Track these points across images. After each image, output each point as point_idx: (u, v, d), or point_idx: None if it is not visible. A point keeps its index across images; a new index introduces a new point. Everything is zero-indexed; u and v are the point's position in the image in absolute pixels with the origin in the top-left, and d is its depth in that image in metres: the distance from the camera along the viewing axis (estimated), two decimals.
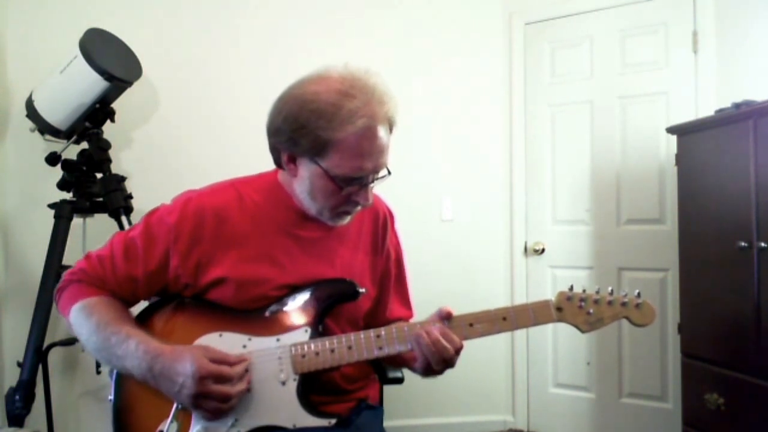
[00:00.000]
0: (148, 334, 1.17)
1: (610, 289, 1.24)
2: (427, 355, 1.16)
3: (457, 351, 1.17)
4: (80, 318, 1.20)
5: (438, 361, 1.17)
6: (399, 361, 1.35)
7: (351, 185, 1.19)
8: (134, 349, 1.14)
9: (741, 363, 2.10)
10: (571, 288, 1.23)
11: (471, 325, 1.20)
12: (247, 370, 1.16)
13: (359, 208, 1.26)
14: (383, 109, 1.17)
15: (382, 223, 1.40)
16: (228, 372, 1.12)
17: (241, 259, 1.24)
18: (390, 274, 1.42)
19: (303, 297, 1.24)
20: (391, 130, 1.22)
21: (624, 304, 1.22)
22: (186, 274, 1.24)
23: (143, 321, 1.25)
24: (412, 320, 1.44)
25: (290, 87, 1.22)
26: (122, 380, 1.22)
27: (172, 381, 1.11)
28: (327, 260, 1.30)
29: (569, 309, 1.22)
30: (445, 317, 1.20)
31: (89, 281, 1.24)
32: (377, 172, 1.21)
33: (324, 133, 1.14)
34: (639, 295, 1.23)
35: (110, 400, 1.23)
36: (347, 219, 1.28)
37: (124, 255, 1.24)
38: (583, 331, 1.23)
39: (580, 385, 3.02)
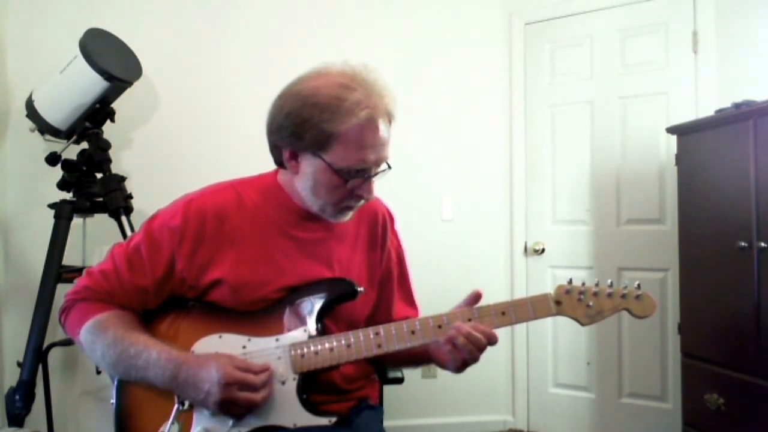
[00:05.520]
0: (166, 343, 1.18)
1: (609, 281, 1.24)
2: (466, 352, 1.16)
3: (490, 339, 1.16)
4: (93, 335, 1.19)
5: (475, 356, 1.16)
6: (420, 358, 1.33)
7: (354, 178, 1.19)
8: (156, 358, 1.14)
9: (741, 363, 2.10)
10: (570, 281, 1.22)
11: (469, 320, 1.20)
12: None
13: (362, 202, 1.26)
14: (383, 102, 1.19)
15: (381, 225, 1.40)
16: (252, 379, 1.13)
17: (240, 261, 1.24)
18: (392, 275, 1.42)
19: (302, 297, 1.24)
20: (390, 123, 1.22)
21: (624, 296, 1.21)
22: (191, 276, 1.23)
23: (145, 325, 1.25)
24: None
25: (290, 84, 1.22)
26: (124, 384, 1.22)
27: (198, 388, 1.12)
28: (325, 261, 1.29)
29: (568, 302, 1.21)
30: (475, 299, 1.21)
31: (96, 298, 1.23)
32: (379, 164, 1.22)
33: (327, 125, 1.15)
34: (639, 286, 1.22)
35: (112, 403, 1.23)
36: (349, 215, 1.28)
37: (129, 266, 1.23)
38: (583, 324, 1.22)
39: (580, 385, 3.02)
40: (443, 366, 1.25)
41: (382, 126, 1.18)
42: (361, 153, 1.17)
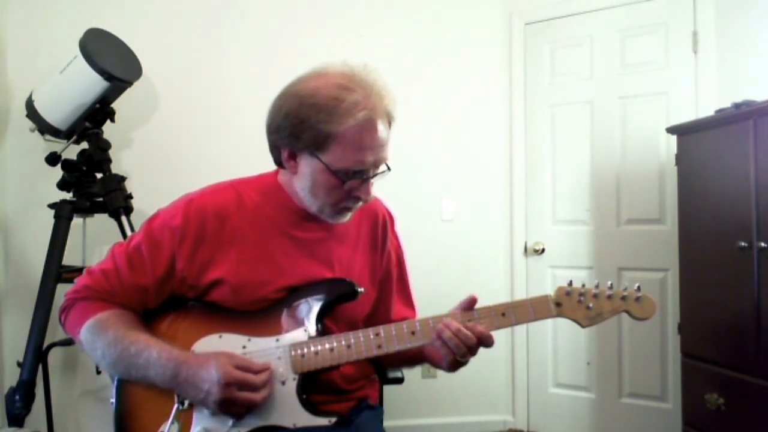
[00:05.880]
0: (167, 343, 1.18)
1: (609, 283, 1.23)
2: (452, 346, 1.16)
3: (480, 339, 1.16)
4: (94, 334, 1.19)
5: (463, 353, 1.16)
6: (417, 358, 1.33)
7: (352, 179, 1.19)
8: (157, 357, 1.14)
9: (741, 363, 2.10)
10: (570, 283, 1.22)
11: (469, 321, 1.20)
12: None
13: (360, 203, 1.26)
14: (383, 103, 1.19)
15: (381, 225, 1.40)
16: (253, 379, 1.13)
17: (240, 261, 1.24)
18: (391, 276, 1.42)
19: (302, 297, 1.24)
20: (389, 125, 1.22)
21: (624, 297, 1.20)
22: (191, 275, 1.23)
23: (145, 325, 1.24)
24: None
25: (289, 85, 1.23)
26: (123, 384, 1.22)
27: (198, 388, 1.12)
28: (326, 261, 1.29)
29: (568, 304, 1.21)
30: (470, 304, 1.21)
31: (96, 297, 1.23)
32: (378, 166, 1.21)
33: (325, 126, 1.15)
34: (639, 288, 1.21)
35: (112, 403, 1.23)
36: (348, 216, 1.28)
37: (129, 265, 1.23)
38: (583, 326, 1.22)
39: (580, 385, 3.02)
40: (437, 365, 1.25)
41: (380, 127, 1.18)
42: (359, 154, 1.17)
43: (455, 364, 1.20)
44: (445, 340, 1.16)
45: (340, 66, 1.20)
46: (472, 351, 1.17)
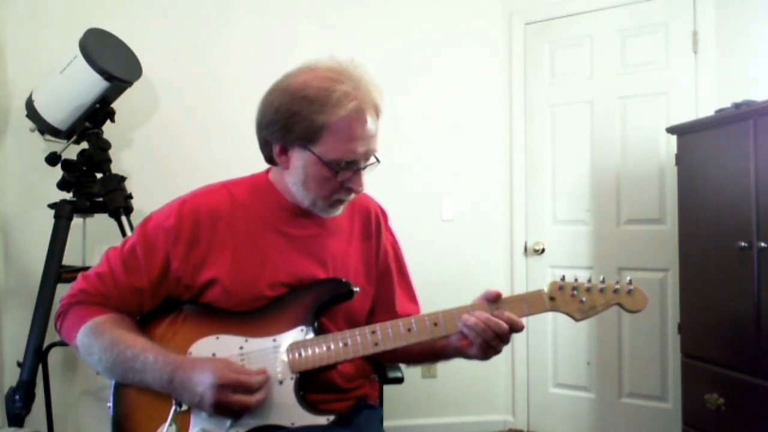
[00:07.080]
0: (163, 346, 1.18)
1: (601, 277, 1.25)
2: (482, 335, 1.16)
3: (512, 326, 1.17)
4: (90, 338, 1.19)
5: (494, 339, 1.16)
6: (442, 353, 1.32)
7: (345, 170, 1.20)
8: (153, 361, 1.14)
9: (741, 363, 2.10)
10: (563, 278, 1.24)
11: (497, 310, 1.20)
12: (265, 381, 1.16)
13: (352, 195, 1.26)
14: (371, 96, 1.20)
15: (375, 222, 1.40)
16: (248, 381, 1.12)
17: (234, 260, 1.24)
18: (390, 271, 1.42)
19: (298, 297, 1.24)
20: (377, 117, 1.23)
21: (616, 291, 1.22)
22: (186, 275, 1.24)
23: (141, 328, 1.24)
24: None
25: (278, 81, 1.24)
26: (120, 388, 1.21)
27: (192, 391, 1.11)
28: (318, 257, 1.30)
29: (562, 298, 1.22)
30: (494, 299, 1.21)
31: (92, 301, 1.23)
32: (368, 157, 1.23)
33: (317, 117, 1.16)
34: (630, 282, 1.23)
35: (108, 406, 1.23)
36: (340, 209, 1.29)
37: (124, 268, 1.23)
38: (576, 320, 1.23)
39: (580, 385, 3.02)
40: (468, 355, 1.24)
41: (369, 118, 1.20)
42: (351, 144, 1.18)
43: (488, 350, 1.19)
44: (471, 327, 1.16)
45: (328, 61, 1.22)
46: (504, 339, 1.17)
